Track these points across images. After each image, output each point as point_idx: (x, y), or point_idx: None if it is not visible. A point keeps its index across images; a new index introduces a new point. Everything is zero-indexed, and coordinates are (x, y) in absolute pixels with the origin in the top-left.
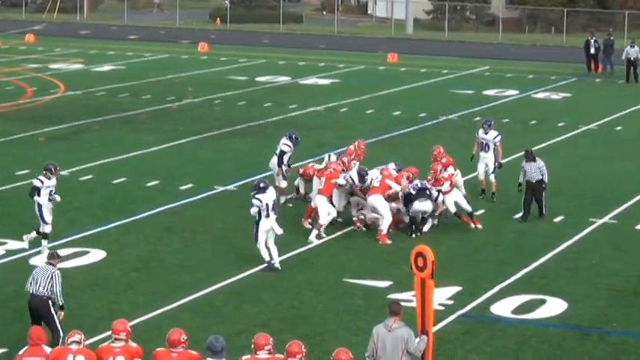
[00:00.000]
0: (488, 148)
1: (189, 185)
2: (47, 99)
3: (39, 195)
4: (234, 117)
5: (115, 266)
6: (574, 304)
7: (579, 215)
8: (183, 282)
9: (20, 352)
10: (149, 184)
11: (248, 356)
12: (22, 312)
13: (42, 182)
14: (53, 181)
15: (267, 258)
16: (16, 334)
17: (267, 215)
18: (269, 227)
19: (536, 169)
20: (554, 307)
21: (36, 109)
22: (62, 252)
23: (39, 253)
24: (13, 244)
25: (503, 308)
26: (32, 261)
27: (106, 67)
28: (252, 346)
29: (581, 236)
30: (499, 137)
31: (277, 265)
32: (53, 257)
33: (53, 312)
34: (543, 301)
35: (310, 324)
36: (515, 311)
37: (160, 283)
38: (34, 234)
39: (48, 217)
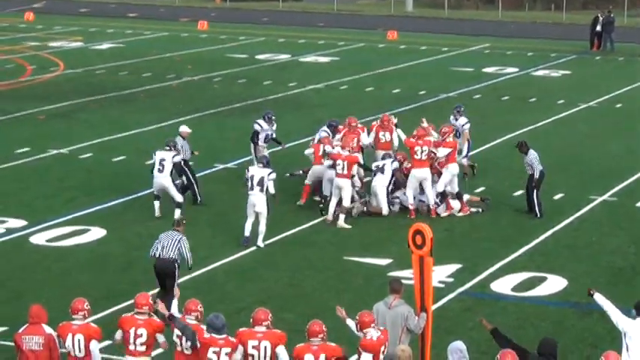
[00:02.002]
0: (459, 134)
1: (190, 163)
2: (47, 77)
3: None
4: (234, 95)
5: (115, 244)
6: (574, 282)
7: (579, 193)
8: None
9: (20, 331)
10: (149, 162)
11: (245, 329)
12: (21, 291)
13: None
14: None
15: (246, 233)
16: (15, 313)
17: (252, 188)
18: (252, 202)
19: (526, 164)
20: (554, 284)
21: (36, 87)
22: (62, 230)
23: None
24: (12, 223)
25: (504, 286)
26: (32, 239)
27: (106, 45)
28: (251, 320)
29: (581, 214)
30: (467, 125)
31: (260, 244)
32: (179, 224)
33: (177, 274)
34: (543, 279)
35: (310, 302)
36: (516, 289)
37: None
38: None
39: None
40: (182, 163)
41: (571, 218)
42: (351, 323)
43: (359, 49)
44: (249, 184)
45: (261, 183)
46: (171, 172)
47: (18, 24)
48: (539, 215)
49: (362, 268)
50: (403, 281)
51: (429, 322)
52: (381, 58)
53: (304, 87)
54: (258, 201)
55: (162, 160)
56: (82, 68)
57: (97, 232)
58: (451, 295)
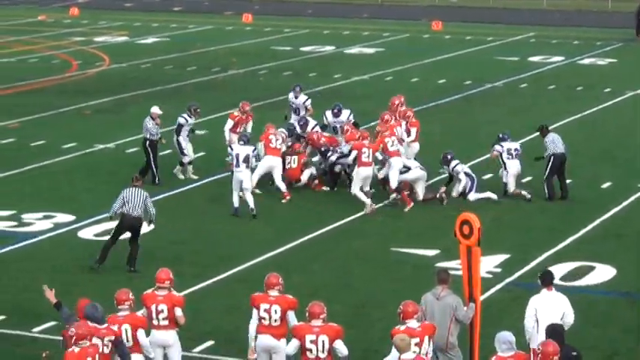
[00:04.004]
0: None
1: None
2: (92, 72)
3: (178, 133)
4: (279, 87)
5: (162, 238)
6: (623, 271)
7: (626, 181)
8: (231, 253)
9: (69, 326)
10: (195, 156)
11: (302, 323)
12: (70, 285)
13: (186, 120)
14: (193, 120)
15: (236, 205)
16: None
17: (237, 165)
18: (239, 178)
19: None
20: (602, 273)
21: (81, 83)
22: (109, 225)
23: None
24: (61, 218)
25: None
26: (80, 234)
27: (151, 40)
28: (307, 314)
29: (629, 202)
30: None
31: (253, 207)
32: (137, 180)
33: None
34: (592, 268)
35: (358, 293)
36: (564, 278)
37: (208, 254)
38: (178, 167)
39: (186, 149)
40: (147, 143)
41: (619, 207)
42: None
43: (404, 39)
44: (235, 161)
45: (246, 160)
46: (249, 166)
47: (63, 19)
48: (547, 197)
49: (410, 258)
50: (451, 272)
51: (478, 312)
52: (426, 48)
53: (349, 79)
54: (244, 177)
55: (238, 154)
56: (128, 63)
57: (144, 226)
58: (499, 285)
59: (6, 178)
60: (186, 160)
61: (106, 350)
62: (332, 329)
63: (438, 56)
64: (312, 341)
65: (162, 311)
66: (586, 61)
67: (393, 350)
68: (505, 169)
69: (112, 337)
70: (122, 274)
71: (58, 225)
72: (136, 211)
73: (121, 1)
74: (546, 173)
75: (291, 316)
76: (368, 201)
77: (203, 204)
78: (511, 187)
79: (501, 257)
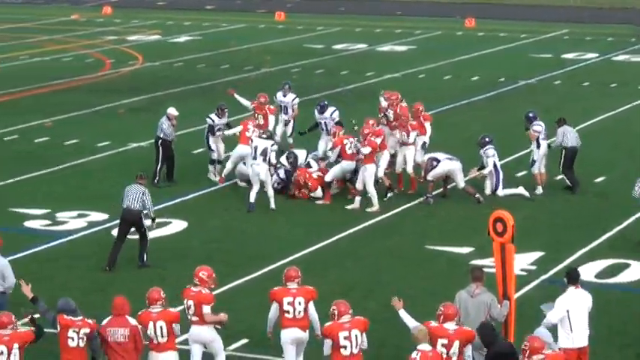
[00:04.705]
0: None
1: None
2: (126, 70)
3: (212, 132)
4: (312, 85)
5: (194, 237)
6: None
7: None
8: (264, 251)
9: (104, 323)
10: (228, 154)
11: (333, 322)
12: (104, 283)
13: (213, 120)
14: (224, 120)
15: (251, 200)
16: (99, 305)
17: (255, 158)
18: (256, 171)
19: None
20: (637, 271)
21: (115, 81)
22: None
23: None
24: (95, 216)
25: (587, 272)
26: (114, 232)
27: (183, 38)
28: (336, 313)
29: None
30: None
31: (273, 206)
32: (141, 177)
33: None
34: (627, 265)
35: (392, 291)
36: (599, 275)
37: (239, 253)
38: (210, 168)
39: (214, 146)
40: (159, 142)
41: None
42: (404, 315)
43: (436, 37)
44: (253, 154)
45: (264, 153)
46: (269, 160)
47: (96, 18)
48: (570, 187)
49: (443, 256)
50: (485, 269)
51: (512, 309)
52: (459, 45)
53: (382, 76)
54: (261, 170)
55: (256, 147)
56: (160, 61)
57: (178, 225)
58: (534, 283)
59: (40, 177)
60: (214, 156)
61: (82, 344)
62: (361, 322)
63: (471, 53)
64: (345, 337)
65: (190, 307)
66: (620, 57)
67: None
68: (538, 147)
69: (88, 330)
70: (154, 272)
71: (91, 223)
72: (133, 205)
73: (153, 0)
74: (561, 166)
75: (312, 307)
76: (358, 200)
77: (234, 203)
78: (541, 168)
79: (535, 255)
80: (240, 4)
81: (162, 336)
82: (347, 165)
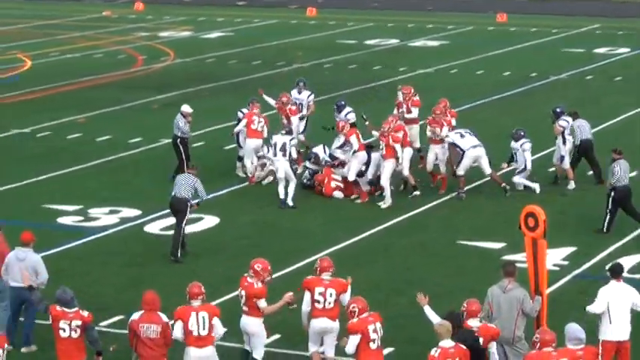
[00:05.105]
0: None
1: (301, 150)
2: (158, 67)
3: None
4: (344, 81)
5: (229, 232)
6: None
7: None
8: (297, 247)
9: (135, 318)
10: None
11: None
12: (136, 279)
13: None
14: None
15: (281, 196)
16: (131, 300)
17: (275, 154)
18: (276, 167)
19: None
20: None
21: (147, 77)
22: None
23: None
24: (127, 212)
25: None
26: (146, 228)
27: (215, 34)
28: (357, 310)
29: None
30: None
31: (290, 203)
32: (192, 168)
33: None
34: None
35: (423, 286)
36: (632, 270)
37: (274, 248)
38: (238, 165)
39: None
40: (178, 140)
41: None
42: (428, 311)
43: (468, 32)
44: (273, 150)
45: (283, 149)
46: (290, 156)
47: (128, 15)
48: (596, 178)
49: (475, 251)
50: (517, 265)
51: (544, 305)
52: (491, 40)
53: (414, 71)
54: (281, 166)
55: (275, 143)
56: (192, 57)
57: (210, 221)
58: (566, 278)
59: (72, 173)
60: (241, 153)
61: (75, 335)
62: (378, 316)
63: (503, 48)
64: (374, 330)
65: (242, 296)
66: None
67: None
68: (564, 143)
69: (80, 322)
70: (187, 268)
71: (124, 219)
72: (180, 193)
73: None
74: (579, 159)
75: (344, 298)
76: (388, 196)
77: (265, 199)
78: (569, 162)
79: (568, 250)
80: (272, 0)
81: (203, 328)
82: (361, 155)
